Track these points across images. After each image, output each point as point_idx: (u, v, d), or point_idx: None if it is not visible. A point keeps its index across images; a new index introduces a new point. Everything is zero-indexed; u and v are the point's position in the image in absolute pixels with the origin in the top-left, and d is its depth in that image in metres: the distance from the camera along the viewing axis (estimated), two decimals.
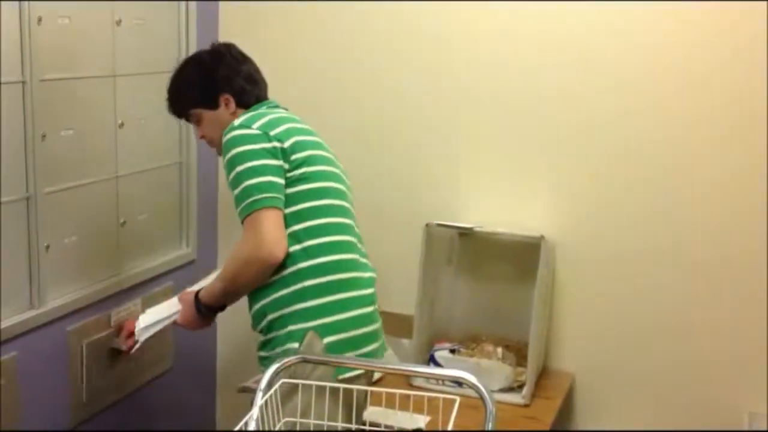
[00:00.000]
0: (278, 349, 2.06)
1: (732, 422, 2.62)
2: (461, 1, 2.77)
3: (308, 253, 2.06)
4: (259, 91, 2.30)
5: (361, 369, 2.05)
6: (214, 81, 2.25)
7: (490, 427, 1.65)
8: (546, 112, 2.75)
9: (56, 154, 2.35)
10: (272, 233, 1.99)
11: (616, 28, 2.64)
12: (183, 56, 2.86)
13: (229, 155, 2.06)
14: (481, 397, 1.70)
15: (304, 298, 2.05)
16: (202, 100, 2.26)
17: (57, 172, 2.36)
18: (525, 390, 2.62)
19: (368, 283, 2.16)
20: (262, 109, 2.22)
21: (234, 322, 3.20)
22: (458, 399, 1.68)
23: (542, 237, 2.63)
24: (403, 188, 2.95)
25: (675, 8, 2.56)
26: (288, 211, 2.06)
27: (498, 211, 2.82)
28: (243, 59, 2.30)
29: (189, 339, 3.01)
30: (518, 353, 2.76)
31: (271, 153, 2.05)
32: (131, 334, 2.45)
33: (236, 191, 2.04)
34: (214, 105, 2.25)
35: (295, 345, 2.03)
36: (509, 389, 2.66)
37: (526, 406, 2.60)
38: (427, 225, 2.74)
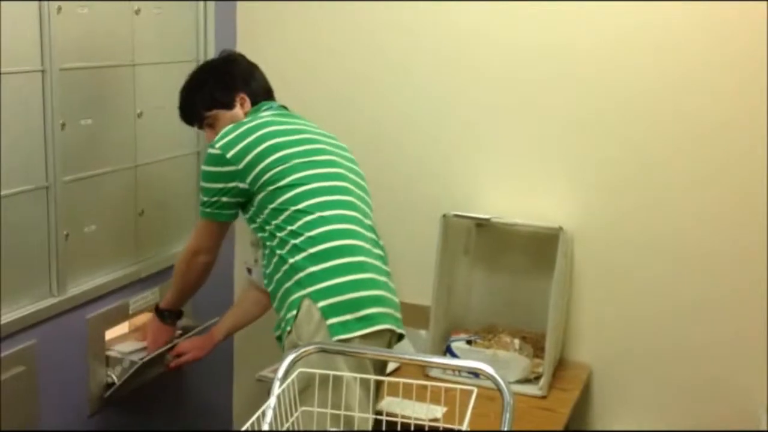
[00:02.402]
0: (282, 324, 2.15)
1: (750, 415, 2.60)
2: None
3: (296, 233, 2.14)
4: (267, 93, 2.44)
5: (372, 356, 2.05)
6: (230, 81, 2.38)
7: (507, 418, 1.65)
8: (565, 103, 2.74)
9: (75, 143, 2.37)
10: (201, 242, 2.36)
11: (635, 19, 2.62)
12: (202, 45, 2.89)
13: (202, 168, 2.27)
14: (499, 389, 1.70)
15: (298, 269, 2.12)
16: (220, 101, 2.36)
17: (76, 161, 2.38)
18: (542, 381, 2.61)
19: (368, 252, 2.19)
20: (253, 114, 2.35)
21: None
22: (475, 390, 1.68)
23: (561, 228, 2.61)
24: (420, 179, 2.94)
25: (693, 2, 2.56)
26: (270, 208, 2.19)
27: (516, 201, 2.81)
28: (252, 63, 2.46)
29: (208, 327, 3.03)
30: (535, 344, 2.75)
31: (225, 176, 2.21)
32: (180, 354, 2.60)
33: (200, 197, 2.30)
34: (230, 105, 2.35)
35: (293, 312, 2.10)
36: (526, 380, 2.66)
37: (543, 397, 2.60)
38: (444, 216, 2.73)
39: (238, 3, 3.06)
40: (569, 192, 2.78)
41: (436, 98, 2.89)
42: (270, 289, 2.22)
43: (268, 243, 2.20)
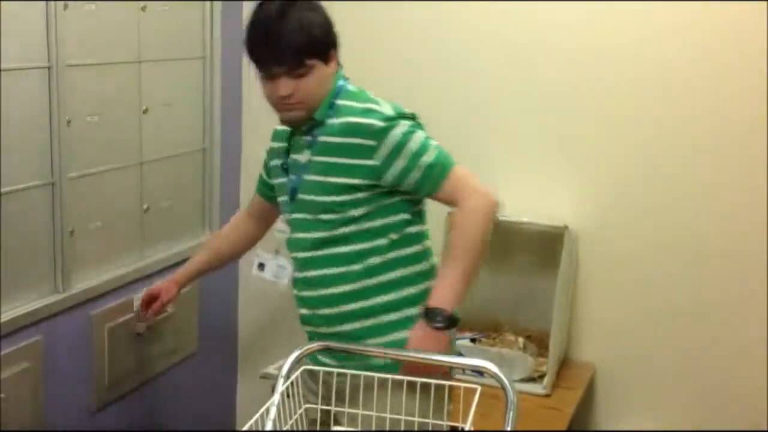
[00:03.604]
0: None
1: (754, 415, 2.60)
2: None
3: (422, 256, 2.04)
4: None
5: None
6: (333, 32, 2.02)
7: (511, 416, 1.65)
8: (571, 102, 2.74)
9: (81, 139, 2.37)
10: (479, 182, 1.95)
11: (641, 21, 2.62)
12: (208, 42, 2.87)
13: (400, 133, 1.93)
14: (503, 387, 1.70)
15: (420, 299, 1.97)
16: (326, 51, 1.98)
17: (82, 157, 2.38)
18: (546, 380, 2.61)
19: None
20: (345, 81, 2.06)
21: (255, 308, 3.22)
22: (479, 388, 1.68)
23: (566, 227, 2.61)
24: None
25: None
26: (412, 211, 2.02)
27: (521, 200, 2.80)
28: None
29: (212, 324, 3.03)
30: (540, 343, 2.75)
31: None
32: (154, 298, 2.41)
33: (423, 167, 1.93)
34: (329, 59, 1.99)
35: None
36: (530, 379, 2.66)
37: (547, 396, 2.60)
38: (449, 214, 2.72)
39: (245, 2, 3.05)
40: (574, 191, 2.78)
41: (443, 96, 2.89)
42: (361, 306, 1.97)
43: (383, 254, 1.97)
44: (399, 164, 1.92)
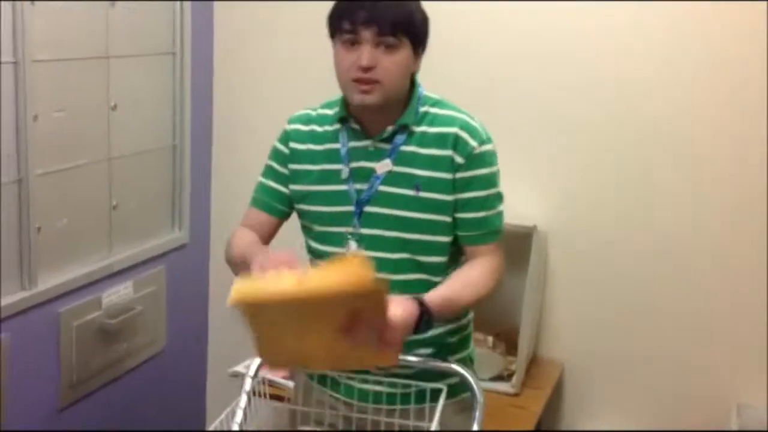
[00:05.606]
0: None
1: (721, 413, 2.62)
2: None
3: None
4: None
5: None
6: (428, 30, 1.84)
7: (477, 416, 1.66)
8: (540, 101, 2.74)
9: (48, 135, 2.34)
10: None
11: (610, 22, 2.63)
12: (178, 37, 2.85)
13: (493, 169, 1.87)
14: (469, 387, 1.71)
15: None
16: (420, 39, 1.80)
17: (49, 154, 2.35)
18: (514, 379, 2.62)
19: None
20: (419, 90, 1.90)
21: (226, 303, 3.20)
22: (445, 388, 1.70)
23: (534, 227, 2.62)
24: None
25: (673, 3, 2.56)
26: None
27: None
28: None
29: (181, 322, 3.02)
30: (509, 342, 2.76)
31: None
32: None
33: (492, 212, 1.88)
34: (418, 52, 1.81)
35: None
36: (499, 378, 2.67)
37: (515, 395, 2.61)
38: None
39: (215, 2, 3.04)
40: (544, 191, 2.78)
41: None
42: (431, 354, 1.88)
43: None
44: (475, 194, 1.83)
